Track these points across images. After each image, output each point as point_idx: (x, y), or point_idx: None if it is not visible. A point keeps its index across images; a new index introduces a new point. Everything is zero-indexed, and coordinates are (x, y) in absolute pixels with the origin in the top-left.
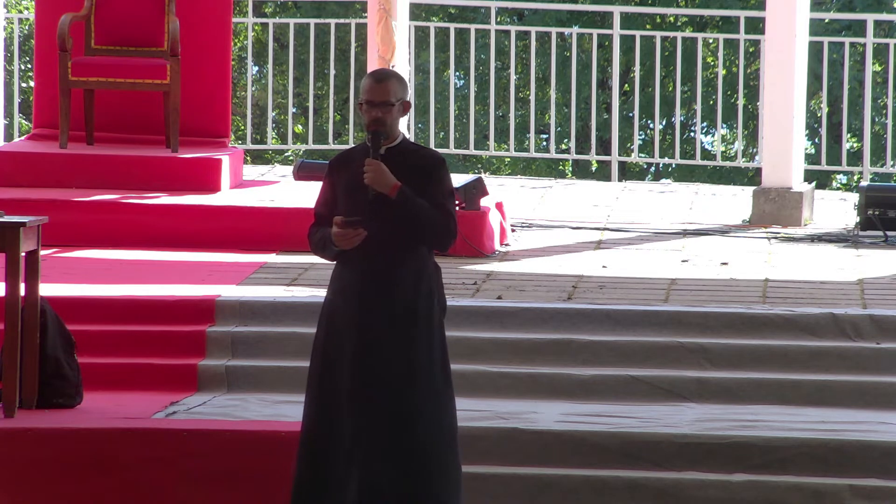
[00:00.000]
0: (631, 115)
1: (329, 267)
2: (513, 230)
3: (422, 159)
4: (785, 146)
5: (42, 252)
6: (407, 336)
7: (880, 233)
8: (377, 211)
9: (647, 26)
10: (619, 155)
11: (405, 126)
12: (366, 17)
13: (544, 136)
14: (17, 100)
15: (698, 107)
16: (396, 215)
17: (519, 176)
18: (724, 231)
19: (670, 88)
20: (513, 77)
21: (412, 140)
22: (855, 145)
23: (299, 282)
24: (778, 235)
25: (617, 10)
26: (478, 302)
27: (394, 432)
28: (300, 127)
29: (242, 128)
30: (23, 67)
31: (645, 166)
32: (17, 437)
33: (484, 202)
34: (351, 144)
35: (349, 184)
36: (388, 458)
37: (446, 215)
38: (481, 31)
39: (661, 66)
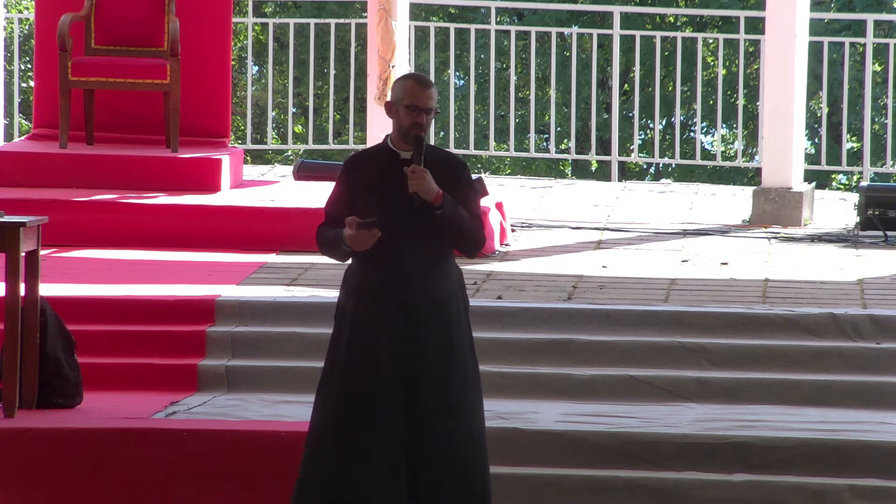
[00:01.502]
0: (631, 115)
1: (329, 267)
2: (513, 230)
3: (445, 161)
4: (785, 146)
5: (42, 252)
6: (441, 335)
7: (880, 233)
8: (415, 216)
9: (647, 26)
10: (619, 155)
11: None
12: (366, 17)
13: (544, 136)
14: (17, 100)
15: (698, 107)
16: (442, 223)
17: (519, 176)
18: (724, 231)
19: (670, 88)
20: (513, 77)
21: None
22: (855, 145)
23: (299, 282)
24: (778, 235)
25: (617, 10)
26: (478, 302)
27: (437, 430)
28: (300, 127)
29: (242, 128)
30: (23, 67)
31: (645, 166)
32: (17, 437)
33: (484, 202)
34: (351, 144)
35: (368, 185)
36: (433, 456)
37: (479, 224)
38: (481, 31)
39: (661, 66)
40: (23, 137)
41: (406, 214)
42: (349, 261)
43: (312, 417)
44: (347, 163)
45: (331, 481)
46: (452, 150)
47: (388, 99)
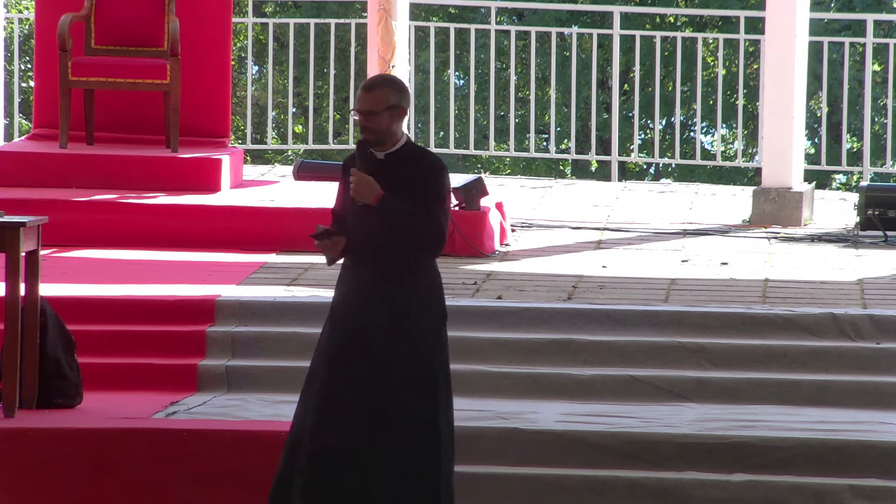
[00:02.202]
0: (631, 115)
1: (328, 267)
2: (513, 230)
3: (419, 165)
4: (785, 146)
5: (42, 252)
6: (405, 339)
7: (880, 233)
8: (369, 219)
9: (647, 26)
10: (619, 155)
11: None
12: (366, 17)
13: (544, 136)
14: (17, 100)
15: (698, 107)
16: (379, 224)
17: (519, 176)
18: (724, 231)
19: (670, 88)
20: (513, 77)
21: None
22: (855, 145)
23: (299, 282)
24: (778, 235)
25: (617, 10)
26: (478, 302)
27: (391, 435)
28: (300, 127)
29: (242, 128)
30: (23, 67)
31: (645, 166)
32: (17, 437)
33: (484, 202)
34: (351, 145)
35: (346, 185)
36: (390, 460)
37: (431, 222)
38: (481, 31)
39: (661, 66)
40: (23, 137)
41: (373, 221)
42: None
43: (294, 416)
44: (344, 164)
45: (305, 482)
46: (452, 150)
47: None
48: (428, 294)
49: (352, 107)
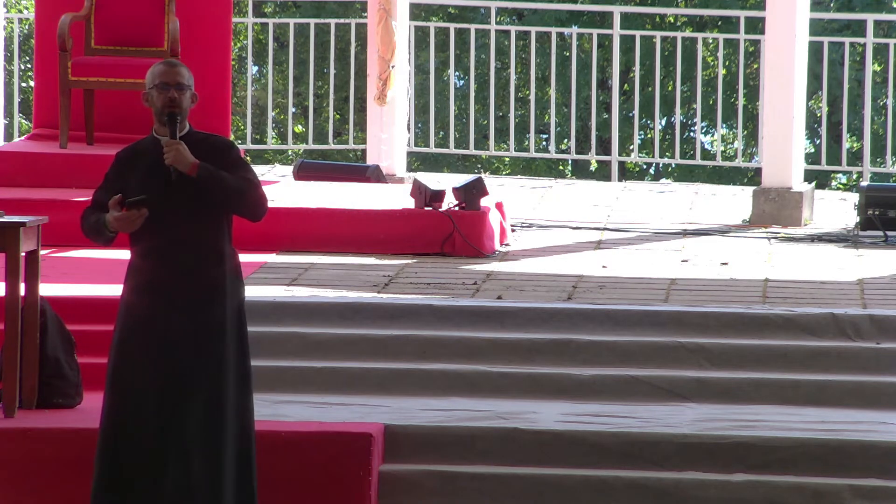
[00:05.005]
0: (631, 114)
1: (329, 267)
2: (513, 230)
3: (212, 144)
4: (785, 146)
5: (42, 252)
6: (210, 327)
7: (880, 233)
8: (178, 192)
9: (647, 26)
10: (619, 155)
11: (404, 124)
12: (366, 17)
13: (544, 136)
14: (17, 100)
15: (698, 107)
16: (203, 188)
17: (519, 176)
18: (724, 231)
19: (670, 88)
20: (513, 77)
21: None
22: (855, 145)
23: (299, 282)
24: (778, 235)
25: (617, 10)
26: (478, 302)
27: (201, 428)
28: (300, 127)
29: (242, 128)
30: (23, 67)
31: (645, 166)
32: (17, 437)
33: (484, 202)
34: (351, 144)
35: (143, 174)
36: (198, 455)
37: (253, 184)
38: (481, 31)
39: (661, 66)
40: (23, 137)
41: (175, 200)
42: (129, 255)
43: (101, 416)
44: (118, 156)
45: (110, 480)
46: (452, 150)
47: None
48: (233, 269)
49: (148, 86)
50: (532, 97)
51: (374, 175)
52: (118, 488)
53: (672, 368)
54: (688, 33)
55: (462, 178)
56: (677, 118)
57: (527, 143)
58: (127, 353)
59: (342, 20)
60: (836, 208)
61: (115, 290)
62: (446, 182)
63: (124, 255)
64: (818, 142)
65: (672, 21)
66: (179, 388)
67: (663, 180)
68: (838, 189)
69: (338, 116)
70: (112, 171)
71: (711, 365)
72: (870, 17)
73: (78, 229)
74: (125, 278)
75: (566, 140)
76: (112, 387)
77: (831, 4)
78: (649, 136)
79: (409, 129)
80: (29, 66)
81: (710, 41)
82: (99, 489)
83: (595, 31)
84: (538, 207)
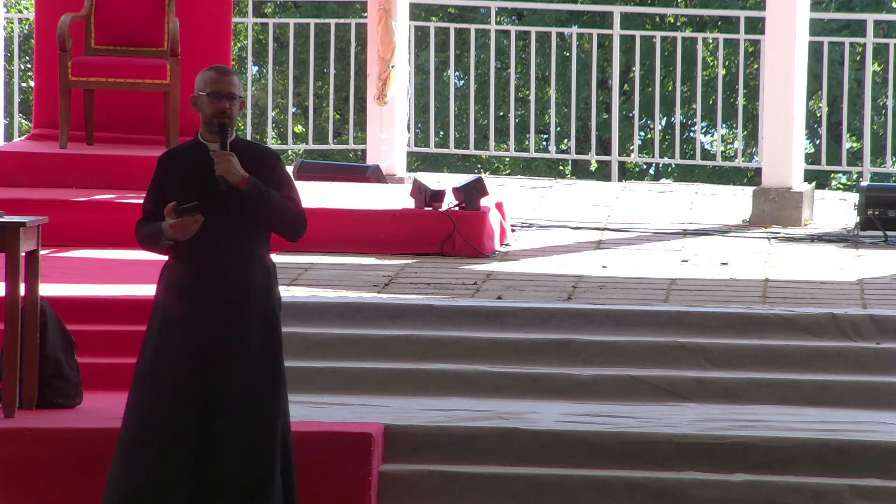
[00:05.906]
0: (631, 115)
1: (329, 267)
2: (513, 230)
3: (257, 153)
4: (785, 146)
5: (42, 252)
6: (244, 333)
7: (880, 233)
8: (225, 204)
9: (647, 26)
10: (619, 155)
11: (404, 124)
12: (366, 17)
13: (544, 136)
14: (17, 100)
15: (698, 107)
16: (251, 204)
17: (519, 176)
18: (724, 231)
19: (670, 88)
20: (513, 77)
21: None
22: (855, 145)
23: (299, 282)
24: (778, 235)
25: (617, 10)
26: (478, 302)
27: (234, 428)
28: (300, 127)
29: (242, 128)
30: (23, 67)
31: (645, 166)
32: (17, 437)
33: (484, 202)
34: (351, 144)
35: (180, 179)
36: (232, 453)
37: (298, 206)
38: (481, 31)
39: (661, 66)
40: (23, 137)
41: (217, 207)
42: (167, 257)
43: (124, 416)
44: (160, 160)
45: (135, 481)
46: (452, 150)
47: (194, 94)
48: (270, 282)
49: (199, 91)
50: (532, 97)
51: (374, 175)
52: (153, 487)
53: (672, 368)
54: (688, 33)
55: (462, 178)
56: (677, 118)
57: (527, 143)
58: (160, 351)
59: (342, 20)
60: (836, 208)
61: (115, 290)
62: (446, 182)
63: (124, 255)
64: (818, 142)
65: (672, 21)
66: (213, 389)
67: (663, 180)
68: (838, 189)
69: (338, 116)
70: (155, 177)
71: (711, 365)
72: (870, 17)
73: (78, 229)
74: (159, 278)
75: (566, 140)
76: (144, 385)
77: (831, 4)
78: (649, 136)
79: (409, 129)
80: (29, 66)
81: (710, 41)
82: (111, 487)
83: (595, 31)
84: (538, 207)
